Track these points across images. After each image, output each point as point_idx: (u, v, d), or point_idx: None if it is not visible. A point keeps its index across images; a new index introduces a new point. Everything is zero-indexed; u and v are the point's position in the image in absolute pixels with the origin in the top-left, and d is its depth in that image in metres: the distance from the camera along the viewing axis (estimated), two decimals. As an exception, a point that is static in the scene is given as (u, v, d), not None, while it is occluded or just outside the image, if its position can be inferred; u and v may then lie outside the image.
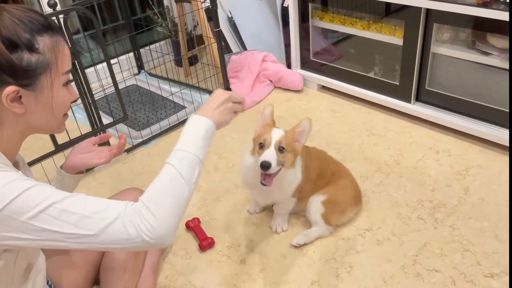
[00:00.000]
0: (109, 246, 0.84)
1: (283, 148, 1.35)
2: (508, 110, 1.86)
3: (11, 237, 0.80)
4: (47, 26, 0.87)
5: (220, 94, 1.08)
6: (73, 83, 0.99)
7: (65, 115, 0.97)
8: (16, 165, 0.97)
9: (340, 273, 1.44)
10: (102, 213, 0.83)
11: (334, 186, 1.59)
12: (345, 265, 1.47)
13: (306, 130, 1.41)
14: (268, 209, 1.71)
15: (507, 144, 1.87)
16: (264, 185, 1.35)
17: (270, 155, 1.32)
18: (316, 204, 1.55)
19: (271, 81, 2.66)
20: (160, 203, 0.87)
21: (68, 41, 1.69)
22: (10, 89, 0.83)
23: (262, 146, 1.36)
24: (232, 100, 1.09)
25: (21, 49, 0.83)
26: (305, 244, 1.55)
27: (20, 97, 0.86)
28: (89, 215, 0.82)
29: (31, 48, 0.84)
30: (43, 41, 0.85)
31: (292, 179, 1.49)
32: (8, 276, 0.92)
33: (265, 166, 1.31)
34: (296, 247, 1.54)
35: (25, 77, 0.84)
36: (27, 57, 0.83)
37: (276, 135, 1.36)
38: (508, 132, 1.87)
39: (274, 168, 1.32)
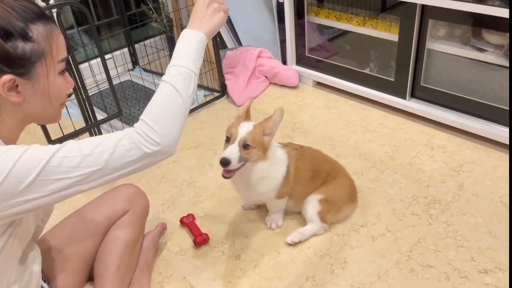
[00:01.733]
0: (120, 173, 0.89)
1: (247, 145, 1.35)
2: (504, 107, 1.86)
3: (25, 200, 0.82)
4: (40, 15, 0.87)
5: (201, 0, 1.07)
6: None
7: (62, 104, 0.98)
8: None
9: (334, 269, 1.44)
10: (100, 146, 0.86)
11: (330, 185, 1.58)
12: (340, 261, 1.47)
13: (278, 122, 1.41)
14: (263, 206, 1.70)
15: (502, 140, 1.88)
16: (225, 177, 1.35)
17: (231, 152, 1.33)
18: (313, 202, 1.55)
19: (266, 77, 2.65)
20: (159, 118, 0.90)
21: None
22: (6, 78, 0.84)
23: (228, 140, 1.36)
24: (216, 1, 1.08)
25: (15, 37, 0.83)
26: (300, 242, 1.54)
27: (17, 86, 0.87)
28: (88, 153, 0.85)
29: (25, 37, 0.84)
30: (37, 30, 0.86)
31: (266, 176, 1.44)
32: (8, 257, 0.93)
33: (223, 163, 1.32)
34: (290, 244, 1.54)
35: (21, 65, 0.85)
36: (21, 46, 0.84)
37: (242, 130, 1.36)
38: (503, 129, 1.88)
39: (234, 165, 1.33)
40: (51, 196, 0.84)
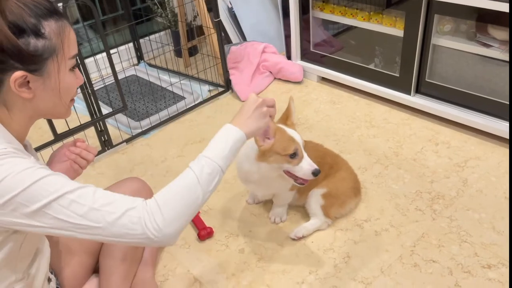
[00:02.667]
0: (114, 239, 0.86)
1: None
2: (508, 103, 1.85)
3: (21, 223, 0.82)
4: (52, 11, 0.87)
5: (253, 100, 1.09)
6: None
7: (72, 100, 0.98)
8: (25, 148, 0.97)
9: (337, 263, 1.45)
10: (111, 206, 0.85)
11: (333, 179, 1.58)
12: (343, 255, 1.48)
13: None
14: (267, 200, 1.71)
15: (507, 136, 1.87)
16: (303, 184, 1.36)
17: (312, 162, 1.32)
18: (316, 197, 1.55)
19: (270, 72, 2.65)
20: (172, 205, 0.89)
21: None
22: (18, 74, 0.84)
23: (294, 156, 1.31)
24: (265, 104, 1.10)
25: (27, 34, 0.83)
26: (303, 237, 1.55)
27: (28, 82, 0.87)
28: (98, 207, 0.84)
29: (38, 33, 0.84)
30: (49, 26, 0.86)
31: None
32: (14, 259, 0.94)
33: (316, 174, 1.31)
34: (294, 239, 1.55)
35: (32, 62, 0.85)
36: (33, 42, 0.84)
37: (299, 139, 1.33)
38: (507, 125, 1.87)
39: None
40: (46, 229, 0.83)
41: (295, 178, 1.35)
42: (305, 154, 1.32)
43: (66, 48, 0.89)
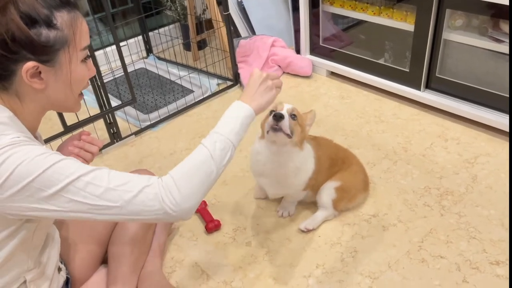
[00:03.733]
0: (132, 218, 0.88)
1: (294, 115, 1.35)
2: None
3: (38, 208, 0.83)
4: (64, 2, 0.87)
5: (257, 75, 1.11)
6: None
7: (81, 94, 0.99)
8: (36, 139, 0.98)
9: (345, 257, 1.45)
10: (126, 185, 0.86)
11: (345, 172, 1.58)
12: (350, 249, 1.48)
13: (311, 121, 1.44)
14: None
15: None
16: (275, 128, 1.30)
17: (283, 111, 1.32)
18: (329, 190, 1.55)
19: (279, 66, 2.64)
20: (187, 180, 0.91)
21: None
22: (30, 64, 0.84)
23: (272, 113, 1.33)
24: (270, 78, 1.11)
25: (39, 24, 0.83)
26: (313, 229, 1.55)
27: (40, 73, 0.87)
28: (113, 187, 0.85)
29: (49, 24, 0.84)
30: (61, 17, 0.86)
31: (302, 166, 1.45)
32: (26, 247, 0.95)
33: (278, 115, 1.28)
34: (303, 231, 1.55)
35: (44, 53, 0.85)
36: (45, 33, 0.84)
37: (288, 105, 1.36)
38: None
39: (286, 125, 1.29)
40: (64, 213, 0.84)
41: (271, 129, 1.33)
42: (284, 110, 1.34)
43: (78, 39, 0.89)
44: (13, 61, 0.84)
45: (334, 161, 1.57)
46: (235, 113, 1.05)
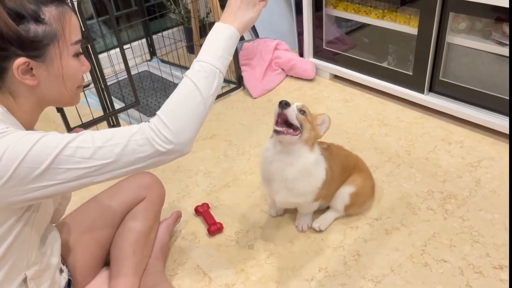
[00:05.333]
0: (131, 168, 0.88)
1: (304, 111, 1.32)
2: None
3: (37, 187, 0.83)
4: None
5: None
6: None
7: (79, 87, 0.98)
8: None
9: (347, 260, 1.45)
10: (113, 139, 0.86)
11: (358, 178, 1.57)
12: (353, 253, 1.47)
13: (325, 126, 1.41)
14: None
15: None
16: (277, 131, 1.26)
17: (290, 102, 1.27)
18: (344, 195, 1.54)
19: (283, 69, 2.65)
20: (175, 115, 0.89)
21: (82, 24, 1.69)
22: (20, 61, 0.85)
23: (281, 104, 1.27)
24: None
25: (27, 20, 0.84)
26: (325, 229, 1.56)
27: (31, 69, 0.88)
28: (101, 145, 0.85)
29: (37, 19, 0.85)
30: (49, 12, 0.86)
31: (312, 169, 1.37)
32: (27, 241, 0.96)
33: (283, 103, 1.23)
34: (317, 231, 1.55)
35: (33, 48, 0.86)
36: (33, 28, 0.85)
37: (297, 103, 1.33)
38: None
39: (292, 117, 1.26)
40: (64, 185, 0.85)
41: (276, 124, 1.29)
42: (292, 105, 1.29)
43: (67, 34, 0.89)
44: (3, 58, 0.85)
45: (345, 167, 1.56)
46: (216, 36, 0.98)
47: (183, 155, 0.92)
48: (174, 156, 0.90)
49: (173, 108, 0.90)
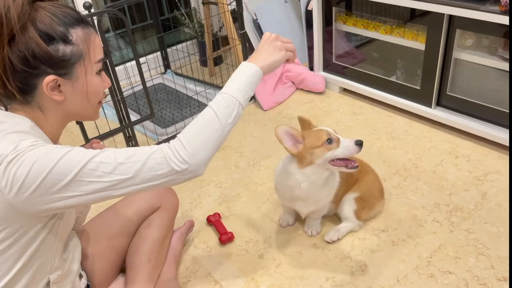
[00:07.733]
0: (148, 184, 0.94)
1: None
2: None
3: (62, 197, 0.90)
4: (79, 20, 0.96)
5: (266, 36, 1.14)
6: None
7: (100, 102, 1.07)
8: None
9: (354, 271, 1.49)
10: (134, 157, 0.93)
11: (363, 182, 1.63)
12: (360, 263, 1.51)
13: None
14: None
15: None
16: (355, 167, 1.37)
17: (340, 137, 1.35)
18: (349, 201, 1.60)
19: (293, 82, 2.71)
20: (193, 139, 0.96)
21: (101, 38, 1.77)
22: (50, 78, 0.93)
23: (330, 141, 1.34)
24: (279, 39, 1.14)
25: (56, 41, 0.92)
26: (338, 240, 1.59)
27: (59, 85, 0.96)
28: (122, 161, 0.92)
29: (66, 40, 0.93)
30: (76, 33, 0.95)
31: (334, 179, 1.51)
32: (51, 247, 1.02)
33: (360, 143, 1.34)
34: (329, 242, 1.59)
35: (62, 66, 0.94)
36: (62, 49, 0.93)
37: (326, 128, 1.39)
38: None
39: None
40: (86, 197, 0.91)
41: (345, 163, 1.36)
42: (339, 136, 1.35)
43: (92, 53, 0.98)
44: (34, 76, 0.93)
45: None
46: (240, 73, 1.07)
47: (197, 177, 0.98)
48: (188, 176, 0.96)
49: (192, 132, 0.97)
